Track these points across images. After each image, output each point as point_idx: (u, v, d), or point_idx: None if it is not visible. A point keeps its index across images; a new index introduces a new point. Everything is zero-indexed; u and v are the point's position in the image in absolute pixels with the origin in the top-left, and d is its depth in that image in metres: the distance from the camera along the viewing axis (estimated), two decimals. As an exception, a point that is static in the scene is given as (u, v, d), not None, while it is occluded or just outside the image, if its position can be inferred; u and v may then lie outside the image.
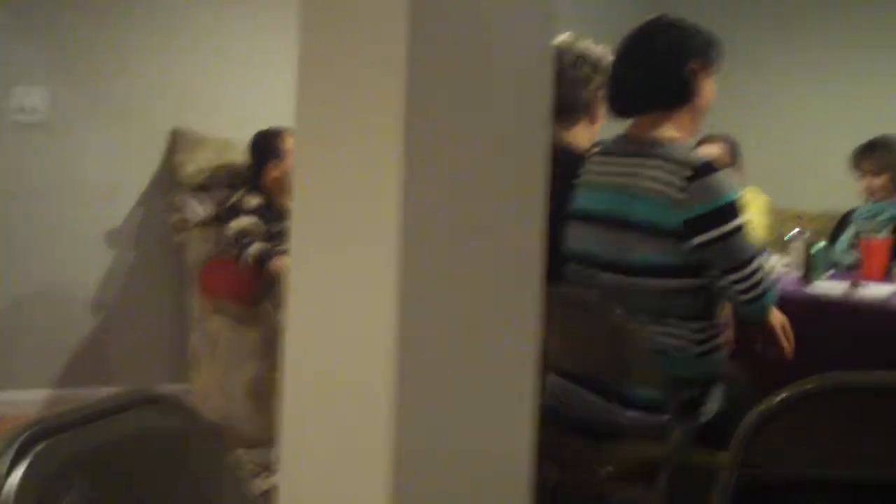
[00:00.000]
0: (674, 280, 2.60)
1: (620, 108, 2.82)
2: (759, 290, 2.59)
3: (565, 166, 2.82)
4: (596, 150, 2.92)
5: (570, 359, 2.76)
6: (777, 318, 2.81)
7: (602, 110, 3.11)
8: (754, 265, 2.58)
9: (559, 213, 2.80)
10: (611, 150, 2.79)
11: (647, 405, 2.61)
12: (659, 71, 2.73)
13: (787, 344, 2.80)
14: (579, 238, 2.78)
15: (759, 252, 2.63)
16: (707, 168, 2.54)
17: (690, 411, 2.62)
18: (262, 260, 4.62)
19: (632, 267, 2.63)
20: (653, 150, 2.65)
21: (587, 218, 2.75)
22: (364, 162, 1.51)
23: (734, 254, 2.55)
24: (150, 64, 5.21)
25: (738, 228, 2.55)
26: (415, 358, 1.48)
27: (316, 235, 1.61)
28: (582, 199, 2.79)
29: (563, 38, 3.19)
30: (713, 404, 2.67)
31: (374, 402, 1.50)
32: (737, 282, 2.57)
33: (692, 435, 2.54)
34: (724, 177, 2.57)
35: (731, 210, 2.54)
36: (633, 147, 2.72)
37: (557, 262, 2.75)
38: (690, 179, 2.52)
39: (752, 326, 2.77)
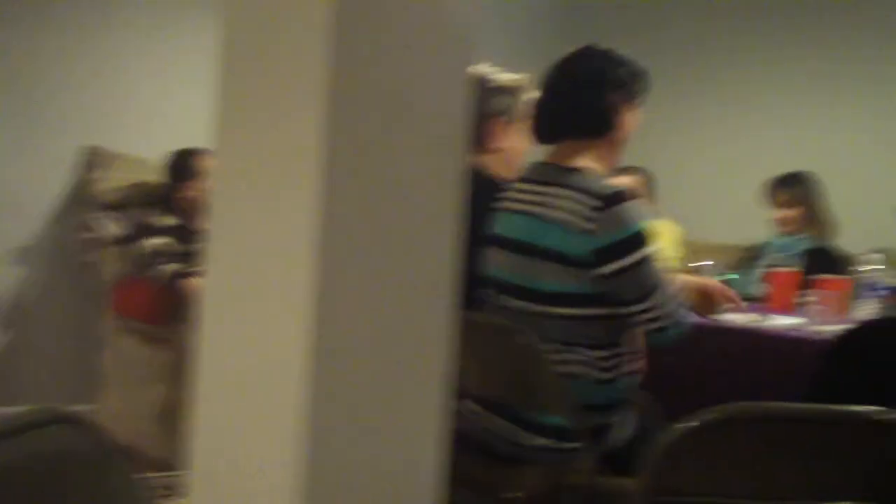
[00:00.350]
0: (580, 308, 2.62)
1: (543, 134, 2.83)
2: (669, 320, 2.60)
3: (482, 190, 2.84)
4: (517, 177, 2.94)
5: (481, 383, 2.76)
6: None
7: (522, 136, 3.15)
8: (662, 294, 2.59)
9: (474, 237, 2.81)
10: (528, 177, 2.81)
11: (555, 431, 2.62)
12: (580, 100, 2.75)
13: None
14: (494, 263, 2.80)
15: (665, 281, 2.64)
16: (616, 197, 2.55)
17: (599, 437, 2.64)
18: (175, 280, 4.58)
19: (541, 294, 2.64)
20: (566, 178, 2.66)
21: (501, 244, 2.77)
22: (281, 183, 1.50)
23: (643, 283, 2.56)
24: (66, 79, 5.14)
25: (647, 258, 2.56)
26: (327, 381, 1.48)
27: (230, 257, 1.61)
28: (498, 225, 2.81)
29: (482, 68, 3.23)
30: (623, 430, 2.69)
31: (285, 424, 1.49)
32: (645, 311, 2.58)
33: (600, 461, 2.56)
34: (633, 206, 2.58)
35: (639, 240, 2.55)
36: (549, 175, 2.73)
37: (472, 287, 2.76)
38: (600, 209, 2.53)
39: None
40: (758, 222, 5.45)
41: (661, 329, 2.61)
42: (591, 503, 2.53)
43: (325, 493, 1.51)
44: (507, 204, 2.81)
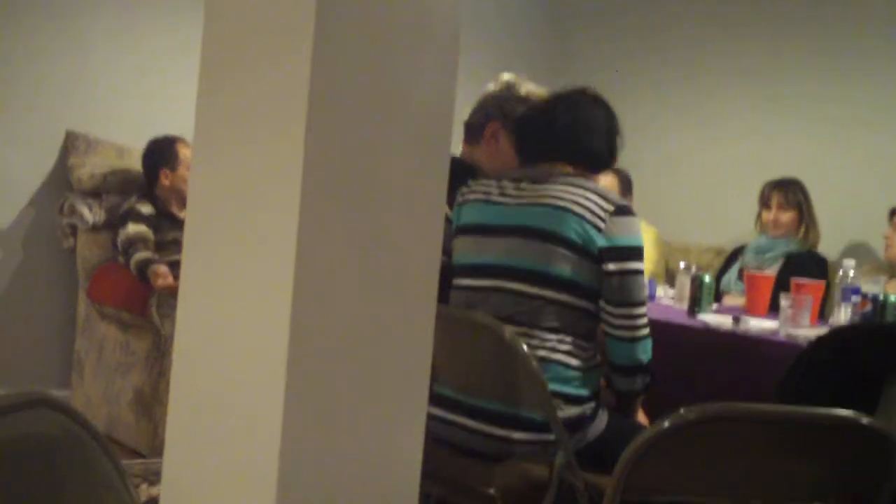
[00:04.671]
0: (581, 299, 2.73)
1: (531, 155, 2.93)
2: (634, 334, 2.75)
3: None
4: (496, 174, 2.98)
5: (459, 379, 2.77)
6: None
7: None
8: (639, 311, 2.75)
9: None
10: (525, 176, 2.85)
11: (533, 425, 2.65)
12: (586, 139, 2.89)
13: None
14: (476, 250, 2.82)
15: (646, 302, 2.79)
16: (628, 209, 2.74)
17: (575, 430, 2.67)
18: (142, 269, 4.57)
19: (550, 278, 2.72)
20: (573, 180, 2.79)
21: (489, 231, 2.79)
22: (262, 172, 1.50)
23: (628, 292, 2.72)
24: (47, 65, 5.11)
25: (640, 272, 2.74)
26: (304, 371, 1.48)
27: (209, 245, 1.61)
28: (478, 214, 2.84)
29: (507, 76, 3.41)
30: (597, 425, 2.74)
31: (262, 414, 1.49)
32: (618, 317, 2.74)
33: (578, 456, 2.58)
34: (637, 221, 2.77)
35: (639, 253, 2.74)
36: (547, 175, 2.83)
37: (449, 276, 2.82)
38: (613, 214, 2.70)
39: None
40: (734, 225, 5.49)
41: (622, 339, 2.76)
42: (566, 500, 2.54)
43: (301, 483, 1.51)
44: (497, 198, 2.84)
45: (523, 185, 2.82)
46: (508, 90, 3.36)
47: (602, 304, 2.74)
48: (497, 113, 3.27)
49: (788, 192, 4.93)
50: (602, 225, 2.68)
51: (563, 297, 2.72)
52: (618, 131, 2.94)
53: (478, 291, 2.80)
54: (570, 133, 2.87)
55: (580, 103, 2.91)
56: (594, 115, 2.90)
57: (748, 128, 6.06)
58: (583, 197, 2.72)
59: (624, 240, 2.70)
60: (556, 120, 2.89)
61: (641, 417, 2.94)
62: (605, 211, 2.69)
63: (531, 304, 2.72)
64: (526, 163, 2.92)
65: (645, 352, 2.78)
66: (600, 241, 2.68)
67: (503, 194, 2.83)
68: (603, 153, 2.91)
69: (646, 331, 2.77)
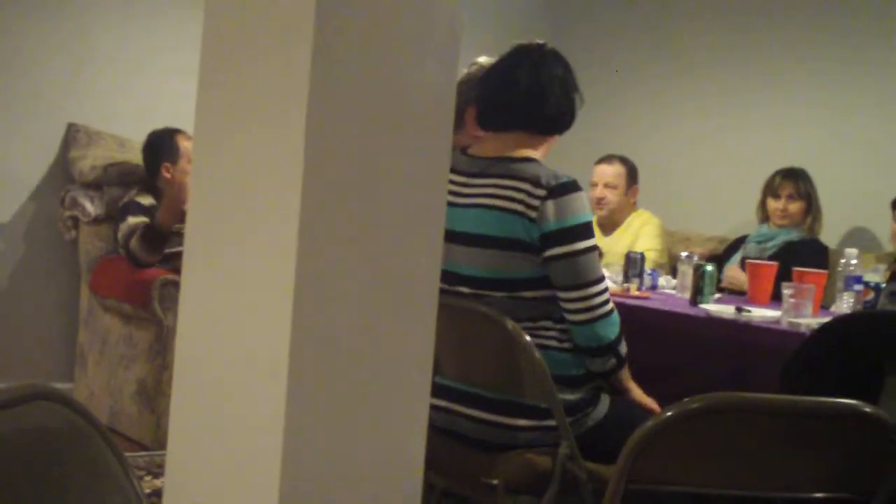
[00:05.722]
0: (540, 291, 2.69)
1: (491, 122, 2.89)
2: (593, 314, 2.68)
3: None
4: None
5: (461, 369, 2.78)
6: (636, 392, 2.90)
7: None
8: (594, 290, 2.67)
9: None
10: (467, 170, 2.83)
11: (535, 412, 2.65)
12: (554, 98, 2.82)
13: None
14: (449, 257, 2.78)
15: (603, 278, 2.73)
16: (563, 188, 2.65)
17: (575, 416, 2.68)
18: (142, 259, 4.59)
19: (508, 282, 2.70)
20: (511, 169, 2.74)
21: (454, 238, 2.76)
22: (263, 164, 1.50)
23: (577, 273, 2.65)
24: (48, 57, 5.10)
25: (587, 250, 2.66)
26: (307, 362, 1.48)
27: (211, 237, 1.60)
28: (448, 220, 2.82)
29: (483, 59, 3.32)
30: (597, 411, 2.75)
31: (265, 406, 1.49)
32: (572, 300, 2.67)
33: (580, 443, 2.58)
34: (578, 198, 2.68)
35: (582, 231, 2.66)
36: (486, 166, 2.79)
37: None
38: (547, 198, 2.62)
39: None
40: (737, 214, 5.49)
41: (583, 322, 2.69)
42: (568, 488, 2.55)
43: (304, 473, 1.51)
44: (450, 198, 2.80)
45: (464, 180, 2.79)
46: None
47: (557, 291, 2.69)
48: (475, 97, 3.22)
49: (799, 182, 4.92)
50: (535, 214, 2.62)
51: (529, 293, 2.69)
52: (576, 89, 2.87)
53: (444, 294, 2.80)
54: (531, 97, 2.81)
55: (539, 64, 2.84)
56: (554, 75, 2.83)
57: (750, 116, 6.05)
58: (513, 189, 2.67)
59: (563, 222, 2.63)
60: (517, 83, 2.83)
61: (638, 392, 2.87)
62: (537, 198, 2.63)
63: (502, 304, 2.69)
64: (486, 129, 2.89)
65: (610, 328, 2.70)
66: (536, 231, 2.63)
67: (454, 193, 2.79)
68: (562, 115, 2.85)
69: (606, 308, 2.69)
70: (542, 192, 2.63)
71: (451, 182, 2.80)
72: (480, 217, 2.71)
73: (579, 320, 2.68)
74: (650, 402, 2.84)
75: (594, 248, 2.70)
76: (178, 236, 4.54)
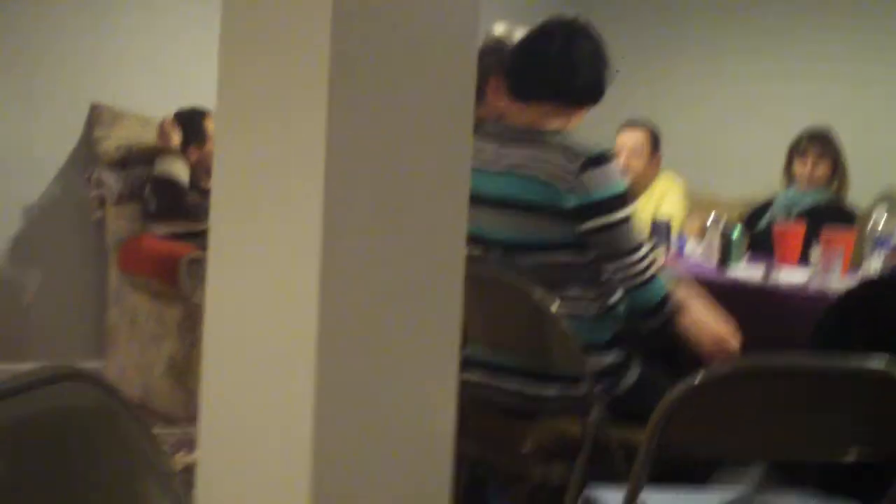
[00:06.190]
0: (569, 255, 2.71)
1: (523, 93, 2.88)
2: (635, 281, 2.70)
3: None
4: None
5: (490, 338, 2.78)
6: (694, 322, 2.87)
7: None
8: (636, 257, 2.69)
9: None
10: (492, 135, 2.83)
11: (565, 379, 2.66)
12: (584, 69, 2.82)
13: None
14: (477, 221, 2.79)
15: (644, 243, 2.74)
16: (595, 160, 2.65)
17: (606, 381, 2.69)
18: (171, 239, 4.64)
19: (530, 245, 2.72)
20: (545, 139, 2.75)
21: (483, 202, 2.75)
22: (287, 139, 1.50)
23: (618, 243, 2.68)
24: (71, 37, 5.11)
25: (623, 220, 2.68)
26: (336, 333, 1.49)
27: (237, 213, 1.61)
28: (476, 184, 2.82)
29: (499, 27, 3.31)
30: (628, 377, 2.76)
31: (295, 379, 1.50)
32: (618, 270, 2.70)
33: (610, 409, 2.59)
34: (614, 168, 2.71)
35: (617, 202, 2.67)
36: (517, 134, 2.80)
37: None
38: (580, 171, 2.63)
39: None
40: (764, 176, 5.44)
41: (635, 287, 2.71)
42: (599, 455, 2.55)
43: (334, 447, 1.52)
44: (480, 164, 2.80)
45: (502, 150, 2.79)
46: (503, 42, 3.28)
47: (601, 262, 2.72)
48: (495, 68, 3.20)
49: (825, 144, 4.88)
50: (570, 185, 2.63)
51: (558, 257, 2.71)
52: (607, 63, 2.87)
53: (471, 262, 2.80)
54: (562, 69, 2.82)
55: (572, 37, 2.84)
56: (585, 48, 2.84)
57: (781, 72, 6.00)
58: (545, 161, 2.68)
59: (596, 194, 2.64)
60: (548, 55, 2.83)
61: (702, 315, 2.82)
62: (572, 171, 2.64)
63: (530, 269, 2.70)
64: (517, 100, 2.88)
65: (655, 291, 2.73)
66: (573, 202, 2.63)
67: (484, 159, 2.79)
68: (592, 87, 2.85)
69: (651, 271, 2.71)
70: (576, 164, 2.64)
71: (482, 149, 2.80)
72: (512, 183, 2.72)
73: (628, 287, 2.72)
74: (722, 332, 2.82)
75: (632, 216, 2.72)
76: (201, 211, 4.58)
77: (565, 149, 2.68)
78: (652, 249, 2.77)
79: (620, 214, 2.67)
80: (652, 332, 2.82)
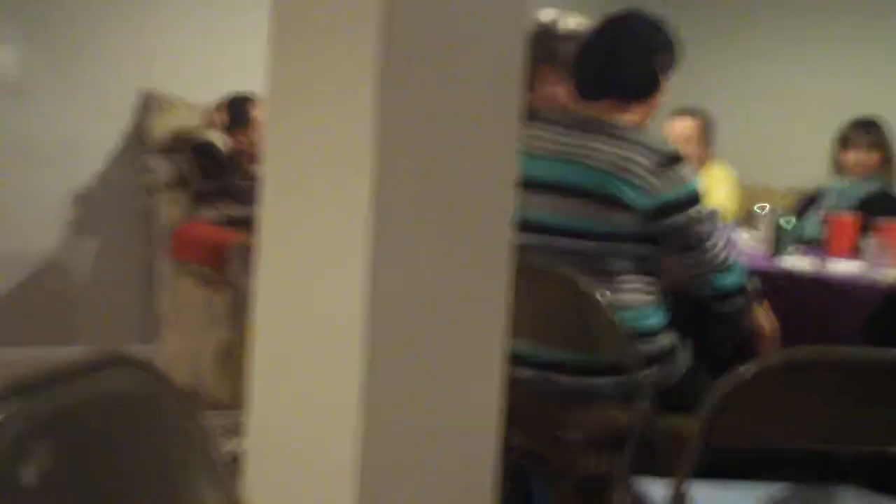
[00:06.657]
0: (633, 246, 2.71)
1: (587, 91, 2.88)
2: (710, 268, 2.74)
3: None
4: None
5: (539, 327, 2.77)
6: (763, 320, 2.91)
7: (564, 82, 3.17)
8: (707, 246, 2.72)
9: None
10: (555, 120, 2.82)
11: (614, 369, 2.65)
12: (631, 61, 2.82)
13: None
14: (535, 206, 2.78)
15: (715, 233, 2.75)
16: (669, 159, 2.66)
17: (657, 365, 2.68)
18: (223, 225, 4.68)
19: (581, 231, 2.71)
20: (612, 131, 2.73)
21: (531, 186, 2.74)
22: (337, 127, 1.50)
23: (692, 239, 2.70)
24: (121, 25, 5.15)
25: (697, 218, 2.70)
26: (385, 323, 1.48)
27: (286, 201, 1.61)
28: (534, 168, 2.80)
29: (549, 13, 3.29)
30: (677, 366, 2.74)
31: (343, 367, 1.50)
32: (690, 265, 2.75)
33: (659, 399, 2.57)
34: (689, 167, 2.75)
35: (690, 201, 2.69)
36: (583, 123, 2.79)
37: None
38: (655, 170, 2.63)
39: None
40: (816, 166, 5.38)
41: (702, 274, 2.75)
42: (649, 444, 2.53)
43: (383, 434, 1.52)
44: (542, 145, 2.80)
45: (565, 138, 2.78)
46: (551, 29, 3.27)
47: (673, 258, 2.74)
48: (544, 56, 3.18)
49: (873, 132, 4.81)
50: (644, 184, 2.62)
51: (615, 246, 2.70)
52: (659, 52, 2.85)
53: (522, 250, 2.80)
54: (620, 61, 2.81)
55: (620, 29, 2.85)
56: (631, 40, 2.84)
57: (833, 62, 5.94)
58: (616, 155, 2.66)
59: (669, 194, 2.64)
60: (595, 51, 2.85)
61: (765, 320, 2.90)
62: (646, 169, 2.63)
63: (581, 259, 2.70)
64: (584, 99, 2.87)
65: (728, 278, 2.76)
66: (645, 201, 2.63)
67: (545, 139, 2.79)
68: (641, 79, 2.84)
69: (721, 259, 2.74)
70: (650, 164, 2.64)
71: (542, 133, 2.82)
72: (576, 171, 2.71)
73: (695, 273, 2.76)
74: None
75: (710, 211, 2.76)
76: (252, 198, 4.61)
77: (637, 145, 2.68)
78: (728, 240, 2.80)
79: (691, 214, 2.68)
80: (715, 318, 2.83)
